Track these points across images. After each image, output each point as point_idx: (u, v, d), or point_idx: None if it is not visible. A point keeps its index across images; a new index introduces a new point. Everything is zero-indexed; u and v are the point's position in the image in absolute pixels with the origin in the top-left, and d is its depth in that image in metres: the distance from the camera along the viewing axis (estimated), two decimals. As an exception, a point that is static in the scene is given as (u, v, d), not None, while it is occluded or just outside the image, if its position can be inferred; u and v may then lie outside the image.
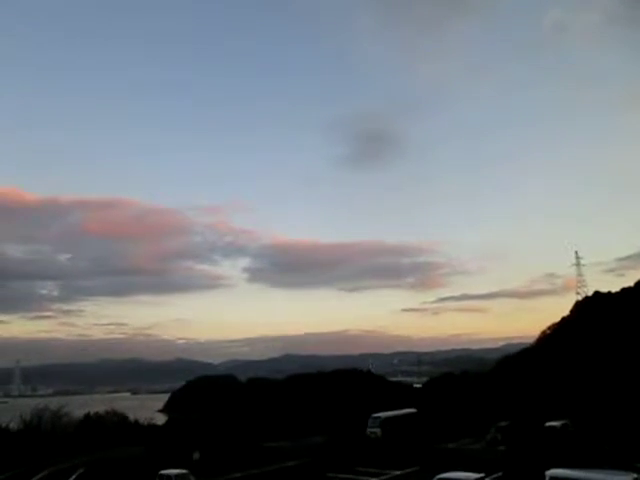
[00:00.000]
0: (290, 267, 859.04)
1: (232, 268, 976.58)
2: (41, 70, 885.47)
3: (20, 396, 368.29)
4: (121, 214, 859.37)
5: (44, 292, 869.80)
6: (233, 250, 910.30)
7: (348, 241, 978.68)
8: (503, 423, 44.73)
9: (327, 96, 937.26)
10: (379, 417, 47.72)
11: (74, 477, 41.02)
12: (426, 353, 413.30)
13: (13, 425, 60.23)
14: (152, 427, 71.22)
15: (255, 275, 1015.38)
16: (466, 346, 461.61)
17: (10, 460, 48.09)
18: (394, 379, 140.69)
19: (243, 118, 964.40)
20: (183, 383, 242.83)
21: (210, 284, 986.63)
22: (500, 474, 29.19)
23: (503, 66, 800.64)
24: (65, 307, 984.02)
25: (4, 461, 47.16)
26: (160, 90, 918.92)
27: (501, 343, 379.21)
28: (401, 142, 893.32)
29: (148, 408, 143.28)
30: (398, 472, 33.38)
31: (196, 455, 39.83)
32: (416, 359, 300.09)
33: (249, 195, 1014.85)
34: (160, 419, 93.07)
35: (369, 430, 47.06)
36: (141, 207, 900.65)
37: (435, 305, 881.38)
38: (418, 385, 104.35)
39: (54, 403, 70.15)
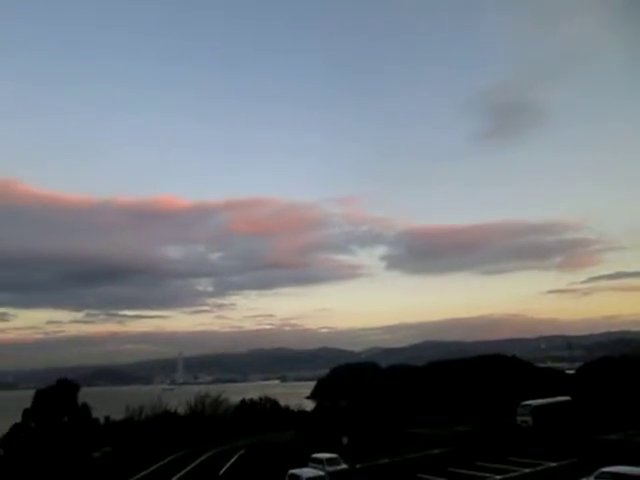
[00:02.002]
0: (428, 253, 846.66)
1: (370, 257, 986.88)
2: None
3: (184, 383, 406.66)
4: (263, 212, 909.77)
5: (200, 288, 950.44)
6: (370, 239, 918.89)
7: (487, 222, 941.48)
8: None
9: (461, 71, 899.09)
10: (530, 405, 45.57)
11: (235, 458, 44.65)
12: (577, 337, 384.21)
13: (180, 410, 67.04)
14: (302, 413, 74.81)
15: (393, 263, 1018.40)
16: (623, 328, 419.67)
17: (179, 441, 53.72)
18: (542, 365, 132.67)
19: (373, 102, 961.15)
20: (328, 371, 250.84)
21: (349, 274, 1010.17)
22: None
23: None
24: (219, 301, 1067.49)
25: (175, 442, 52.79)
26: (294, 90, 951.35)
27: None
28: (541, 112, 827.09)
29: (297, 395, 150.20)
30: (553, 464, 31.68)
31: (345, 440, 41.15)
32: (566, 343, 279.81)
33: (382, 183, 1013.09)
34: (308, 405, 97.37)
35: (519, 418, 45.17)
36: (281, 204, 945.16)
37: (586, 285, 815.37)
38: (570, 371, 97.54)
39: (213, 390, 76.95)
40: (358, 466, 33.60)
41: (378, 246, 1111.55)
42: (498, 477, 28.88)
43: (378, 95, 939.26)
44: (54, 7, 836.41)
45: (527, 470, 30.30)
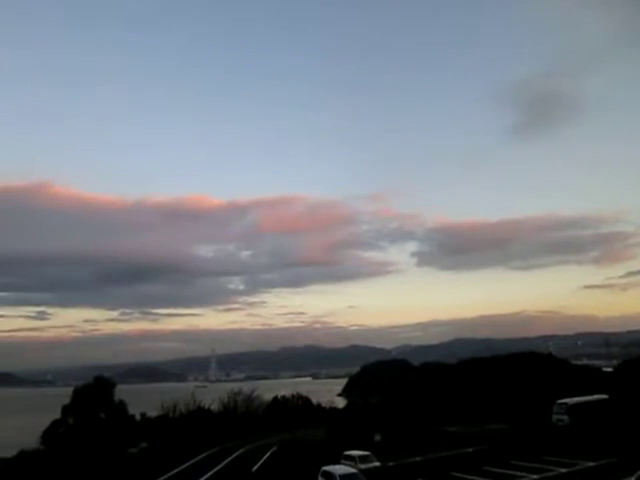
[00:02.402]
0: (458, 248, 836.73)
1: (399, 254, 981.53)
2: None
3: (217, 381, 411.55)
4: (292, 210, 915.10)
5: (231, 286, 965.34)
6: (399, 236, 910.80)
7: (519, 217, 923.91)
8: None
9: (492, 63, 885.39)
10: (566, 403, 44.62)
11: (268, 454, 45.03)
12: (615, 334, 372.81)
13: (214, 407, 67.92)
14: (333, 410, 74.96)
15: (423, 259, 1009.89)
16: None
17: (213, 437, 54.43)
18: (578, 363, 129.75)
19: (402, 97, 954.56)
20: (359, 368, 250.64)
21: (379, 271, 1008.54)
22: None
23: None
24: (250, 299, 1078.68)
25: (208, 438, 53.50)
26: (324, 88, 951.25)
27: None
28: (576, 103, 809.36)
29: (328, 392, 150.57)
30: (591, 463, 30.97)
31: (377, 437, 41.04)
32: (603, 340, 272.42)
33: (411, 179, 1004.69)
34: (340, 402, 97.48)
35: (555, 417, 44.28)
36: (309, 202, 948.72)
37: (624, 280, 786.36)
38: (608, 369, 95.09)
39: (246, 387, 77.64)
40: (391, 464, 33.46)
41: (408, 242, 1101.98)
42: (534, 476, 28.40)
43: (408, 90, 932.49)
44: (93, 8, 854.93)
45: (564, 470, 29.71)
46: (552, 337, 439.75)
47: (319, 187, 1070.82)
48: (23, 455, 46.96)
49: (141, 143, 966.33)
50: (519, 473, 29.45)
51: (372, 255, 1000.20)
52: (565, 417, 43.37)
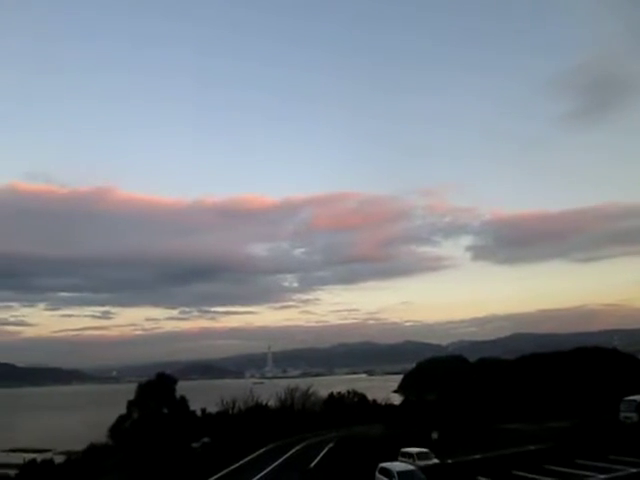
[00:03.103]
0: (516, 241, 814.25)
1: (454, 248, 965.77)
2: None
3: (273, 377, 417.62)
4: (345, 207, 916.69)
5: (286, 284, 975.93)
6: (454, 230, 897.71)
7: (581, 206, 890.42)
8: None
9: (545, 50, 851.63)
10: (635, 400, 42.73)
11: (325, 450, 45.42)
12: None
13: (271, 403, 69.07)
14: (389, 406, 74.78)
15: (479, 253, 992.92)
16: None
17: (271, 433, 55.38)
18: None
19: (453, 87, 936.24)
20: (414, 365, 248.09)
21: (433, 265, 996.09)
22: None
23: None
24: (304, 297, 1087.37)
25: (266, 434, 54.48)
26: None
27: None
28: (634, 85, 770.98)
29: (383, 388, 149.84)
30: (662, 463, 29.62)
31: (434, 435, 40.63)
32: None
33: (465, 171, 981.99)
34: (395, 399, 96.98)
35: (622, 415, 42.48)
36: (362, 198, 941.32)
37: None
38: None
39: (302, 384, 78.52)
40: (449, 461, 33.08)
41: (463, 236, 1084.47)
42: (602, 476, 27.41)
43: (457, 79, 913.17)
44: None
45: (634, 470, 28.55)
46: (616, 331, 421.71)
47: (371, 183, 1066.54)
48: (93, 448, 49.31)
49: (198, 145, 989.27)
50: (585, 472, 28.50)
51: (426, 250, 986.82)
52: (634, 414, 41.55)
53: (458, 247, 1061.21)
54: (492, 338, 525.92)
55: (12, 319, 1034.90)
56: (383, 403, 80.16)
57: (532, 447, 36.34)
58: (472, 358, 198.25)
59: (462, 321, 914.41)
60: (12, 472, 40.97)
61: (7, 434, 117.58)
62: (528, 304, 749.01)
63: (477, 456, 34.60)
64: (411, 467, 28.10)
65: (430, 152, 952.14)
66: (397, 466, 27.93)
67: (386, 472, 27.49)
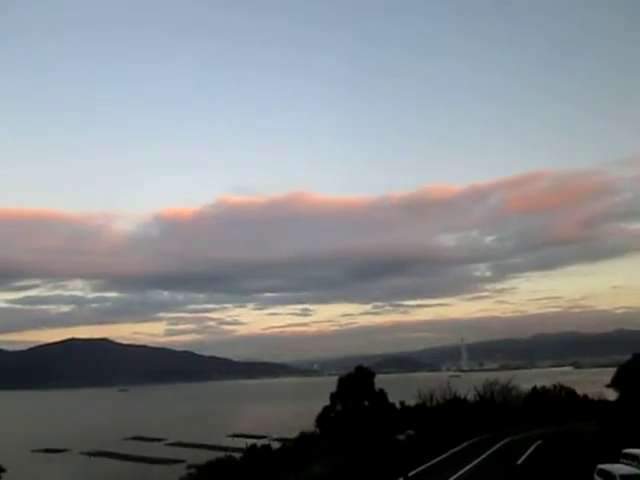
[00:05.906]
0: None
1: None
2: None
3: (470, 370, 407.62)
4: (537, 186, 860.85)
5: (477, 274, 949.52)
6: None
7: None
8: None
9: None
10: None
11: (533, 448, 43.25)
12: None
13: (469, 397, 67.73)
14: (603, 402, 68.24)
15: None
16: None
17: (470, 428, 54.30)
18: None
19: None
20: (630, 356, 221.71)
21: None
22: None
23: None
24: (498, 286, 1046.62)
25: (466, 428, 53.56)
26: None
27: None
28: None
29: (594, 382, 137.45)
30: None
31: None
32: None
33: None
34: (610, 395, 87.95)
35: None
36: (556, 175, 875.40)
37: None
38: None
39: (501, 377, 75.61)
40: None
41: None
42: None
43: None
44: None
45: None
46: None
47: (567, 158, 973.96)
48: (303, 437, 53.49)
49: (381, 142, 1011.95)
50: None
51: (638, 227, 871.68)
52: None
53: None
54: None
55: (228, 319, 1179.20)
56: (596, 398, 73.32)
57: None
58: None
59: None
60: (237, 455, 46.27)
61: (231, 421, 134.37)
62: None
63: None
64: (637, 471, 25.47)
65: (632, 114, 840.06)
66: (619, 469, 25.50)
67: (607, 475, 25.26)
